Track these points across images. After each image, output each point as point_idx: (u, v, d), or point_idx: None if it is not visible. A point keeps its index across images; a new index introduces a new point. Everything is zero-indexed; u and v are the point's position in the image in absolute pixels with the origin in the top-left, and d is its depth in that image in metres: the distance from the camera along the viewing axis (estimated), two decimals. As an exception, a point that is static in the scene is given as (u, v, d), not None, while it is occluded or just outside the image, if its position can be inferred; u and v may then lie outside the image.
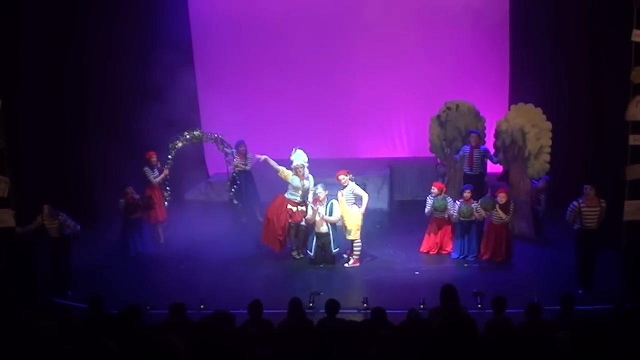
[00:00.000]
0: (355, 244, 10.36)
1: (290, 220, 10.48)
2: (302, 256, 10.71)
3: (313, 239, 10.39)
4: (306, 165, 10.51)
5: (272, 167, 10.57)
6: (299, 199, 10.50)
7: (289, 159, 10.59)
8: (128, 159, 12.15)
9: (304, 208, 10.47)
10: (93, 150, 11.93)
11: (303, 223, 10.47)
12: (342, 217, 10.33)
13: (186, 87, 13.99)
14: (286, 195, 10.58)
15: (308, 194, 10.53)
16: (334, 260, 10.38)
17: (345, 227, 10.33)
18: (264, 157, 10.62)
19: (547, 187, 11.22)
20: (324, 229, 10.25)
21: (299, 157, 10.48)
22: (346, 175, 10.31)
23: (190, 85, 14.67)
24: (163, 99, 13.05)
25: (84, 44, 12.01)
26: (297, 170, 10.43)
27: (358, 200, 10.34)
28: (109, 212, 11.43)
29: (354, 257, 10.41)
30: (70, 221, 9.64)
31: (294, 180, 10.45)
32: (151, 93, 12.69)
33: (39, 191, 10.63)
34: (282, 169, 10.51)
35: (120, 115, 12.68)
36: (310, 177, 10.61)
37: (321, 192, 10.27)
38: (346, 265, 10.42)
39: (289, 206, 10.47)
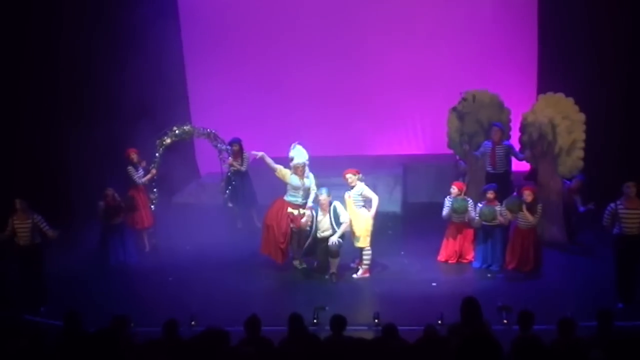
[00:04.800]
0: (364, 252, 10.30)
1: (291, 225, 10.43)
2: (304, 265, 10.65)
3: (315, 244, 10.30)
4: (306, 162, 10.46)
5: (268, 165, 10.54)
6: (300, 200, 10.46)
7: (288, 155, 10.53)
8: (109, 157, 12.14)
9: (306, 210, 10.41)
10: (70, 147, 11.91)
11: (307, 227, 10.39)
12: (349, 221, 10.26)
13: (174, 75, 13.99)
14: (285, 198, 10.53)
15: (309, 193, 10.46)
16: (338, 254, 10.22)
17: (353, 233, 10.26)
18: (260, 154, 10.59)
19: (581, 187, 11.15)
20: (327, 232, 10.16)
21: (300, 154, 10.43)
22: (354, 175, 10.24)
23: (179, 74, 14.66)
24: (148, 91, 13.03)
25: (60, 35, 12.04)
26: (296, 169, 10.39)
27: (367, 202, 10.28)
28: (88, 216, 11.40)
29: (363, 266, 10.36)
30: (45, 224, 9.58)
31: (293, 179, 10.41)
32: (135, 84, 12.67)
33: (9, 192, 10.59)
34: (279, 167, 10.47)
35: (100, 109, 12.66)
36: (311, 175, 10.56)
37: (324, 197, 10.14)
38: (354, 275, 10.37)
39: (289, 209, 10.43)
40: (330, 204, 10.16)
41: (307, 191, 10.46)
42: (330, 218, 10.13)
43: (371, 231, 10.30)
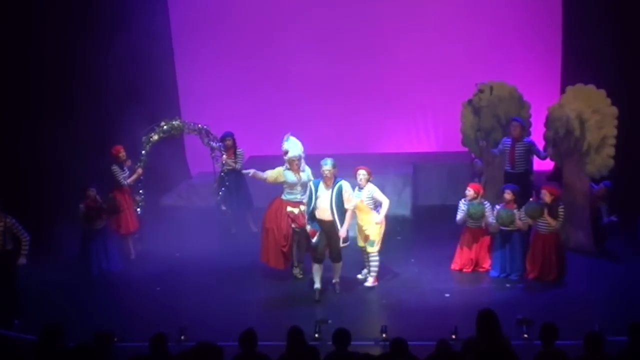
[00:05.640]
0: (372, 257, 10.26)
1: (293, 225, 10.37)
2: (302, 275, 10.60)
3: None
4: (302, 155, 10.37)
5: (259, 178, 10.45)
6: (299, 197, 10.36)
7: (282, 149, 10.41)
8: (92, 153, 12.09)
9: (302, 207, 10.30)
10: (48, 142, 11.86)
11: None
12: (359, 224, 10.18)
13: (161, 65, 13.95)
14: (283, 197, 10.48)
15: (307, 187, 10.34)
16: (340, 257, 10.15)
17: (367, 237, 10.19)
18: (251, 172, 10.47)
19: (607, 194, 11.12)
20: (326, 215, 9.92)
21: (295, 146, 10.35)
22: (368, 174, 10.18)
23: (167, 63, 14.62)
24: (133, 83, 12.98)
25: (36, 15, 11.97)
26: (291, 163, 10.30)
27: (377, 205, 10.23)
28: (67, 219, 11.35)
29: (372, 274, 10.32)
30: (20, 228, 9.53)
31: (287, 176, 10.35)
32: (119, 74, 12.63)
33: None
34: (267, 174, 10.36)
35: (81, 99, 12.62)
36: (307, 168, 10.47)
37: (328, 167, 9.75)
38: (366, 284, 10.33)
39: (289, 208, 10.36)
40: (337, 181, 9.89)
41: (305, 186, 10.38)
42: (332, 198, 9.82)
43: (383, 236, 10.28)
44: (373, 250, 10.22)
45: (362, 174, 10.17)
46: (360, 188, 10.21)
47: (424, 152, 15.16)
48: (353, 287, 10.36)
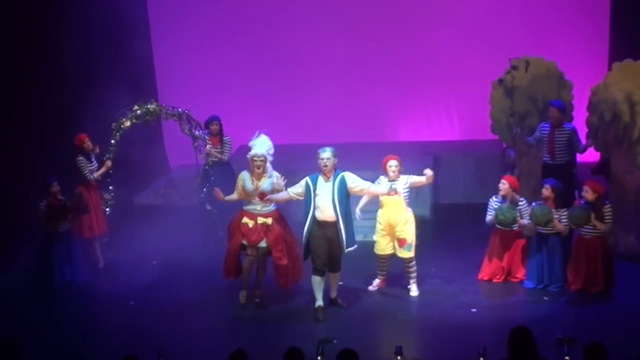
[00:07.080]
0: (411, 264, 10.38)
1: (243, 240, 10.22)
2: (260, 299, 10.41)
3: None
4: (269, 157, 10.20)
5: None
6: (258, 208, 10.16)
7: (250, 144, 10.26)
8: (51, 143, 12.12)
9: (267, 220, 10.13)
10: (5, 135, 11.91)
11: (263, 244, 10.18)
12: (390, 225, 10.22)
13: (135, 39, 13.98)
14: (244, 207, 10.33)
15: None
16: (340, 266, 10.13)
17: (404, 241, 10.26)
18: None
19: None
20: (329, 215, 9.78)
21: (262, 145, 10.14)
22: (400, 164, 10.20)
23: (142, 37, 14.65)
24: (101, 56, 12.99)
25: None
26: (252, 162, 10.10)
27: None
28: (24, 221, 11.41)
29: (413, 281, 10.46)
30: None
31: (245, 180, 10.17)
32: (85, 47, 12.65)
33: None
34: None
35: (39, 80, 12.65)
36: (275, 174, 10.21)
37: (327, 155, 9.68)
38: (412, 293, 10.44)
39: (244, 219, 10.19)
40: (337, 173, 9.80)
41: (265, 194, 10.22)
42: (333, 192, 9.72)
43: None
44: (411, 254, 10.31)
45: (394, 164, 10.19)
46: (391, 181, 10.21)
47: (447, 140, 15.23)
48: (362, 300, 10.40)
